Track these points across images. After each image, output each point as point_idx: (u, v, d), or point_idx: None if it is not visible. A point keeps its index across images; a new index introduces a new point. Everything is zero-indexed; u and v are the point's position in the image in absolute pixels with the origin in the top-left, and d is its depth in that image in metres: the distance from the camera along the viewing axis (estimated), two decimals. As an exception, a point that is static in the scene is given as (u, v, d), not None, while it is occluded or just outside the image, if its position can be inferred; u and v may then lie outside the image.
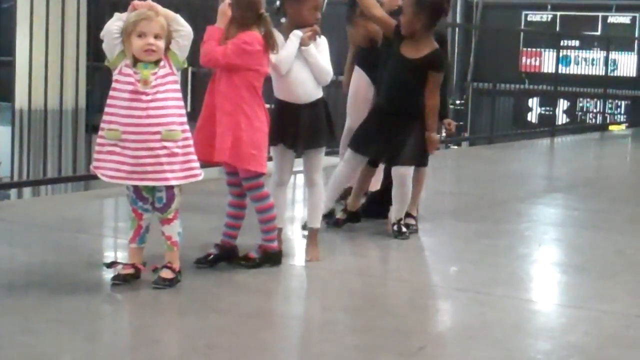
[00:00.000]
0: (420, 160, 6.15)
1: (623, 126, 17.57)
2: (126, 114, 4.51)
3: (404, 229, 6.02)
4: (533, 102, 18.63)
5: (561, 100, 16.73)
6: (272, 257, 5.11)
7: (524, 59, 19.72)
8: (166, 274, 4.65)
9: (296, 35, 5.16)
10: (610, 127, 16.99)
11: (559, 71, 15.28)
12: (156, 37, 4.52)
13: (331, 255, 5.51)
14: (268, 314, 4.54)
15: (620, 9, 19.92)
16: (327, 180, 6.49)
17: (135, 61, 4.55)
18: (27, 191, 9.62)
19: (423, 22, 5.86)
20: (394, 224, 6.05)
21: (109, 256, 5.24)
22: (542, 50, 18.91)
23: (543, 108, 18.12)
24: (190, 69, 8.98)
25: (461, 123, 17.32)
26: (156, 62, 4.57)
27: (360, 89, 6.80)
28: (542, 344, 4.19)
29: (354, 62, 7.10)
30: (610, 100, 17.67)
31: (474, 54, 19.40)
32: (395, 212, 6.08)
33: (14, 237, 5.79)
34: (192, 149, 4.64)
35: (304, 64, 5.20)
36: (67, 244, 5.55)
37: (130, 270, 4.68)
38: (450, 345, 4.18)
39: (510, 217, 7.22)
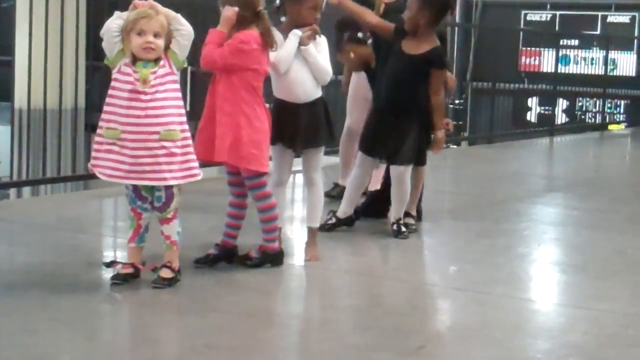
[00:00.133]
0: (418, 159, 6.15)
1: (622, 126, 17.57)
2: (125, 113, 4.51)
3: (403, 229, 6.02)
4: (532, 102, 18.63)
5: (560, 99, 16.72)
6: (272, 257, 5.11)
7: (523, 58, 19.73)
8: (165, 273, 4.65)
9: (295, 34, 5.16)
10: (610, 127, 16.99)
11: (559, 70, 15.28)
12: (155, 35, 4.52)
13: (331, 254, 5.51)
14: (267, 313, 4.54)
15: (620, 8, 19.90)
16: (326, 180, 6.51)
17: (135, 60, 4.55)
18: (26, 191, 9.61)
19: (427, 18, 5.84)
20: (393, 224, 6.05)
21: (108, 256, 5.24)
22: (542, 49, 18.89)
23: (542, 107, 18.12)
24: (189, 69, 8.96)
25: (460, 122, 17.33)
26: (156, 62, 4.57)
27: (359, 88, 6.81)
28: (541, 343, 4.19)
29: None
30: (609, 100, 17.67)
31: (473, 53, 19.39)
32: (394, 212, 6.08)
33: (14, 236, 5.79)
34: (191, 149, 4.64)
35: (303, 64, 5.20)
36: (66, 244, 5.55)
37: (130, 270, 4.68)
38: (450, 344, 4.18)
39: (509, 216, 7.22)
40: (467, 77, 19.75)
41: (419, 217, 6.47)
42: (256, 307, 4.54)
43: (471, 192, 8.41)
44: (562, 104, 17.20)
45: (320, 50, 5.27)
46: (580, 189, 9.01)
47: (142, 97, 4.51)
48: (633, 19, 19.87)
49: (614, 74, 17.47)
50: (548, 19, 20.47)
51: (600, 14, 19.98)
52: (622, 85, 17.78)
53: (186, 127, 4.63)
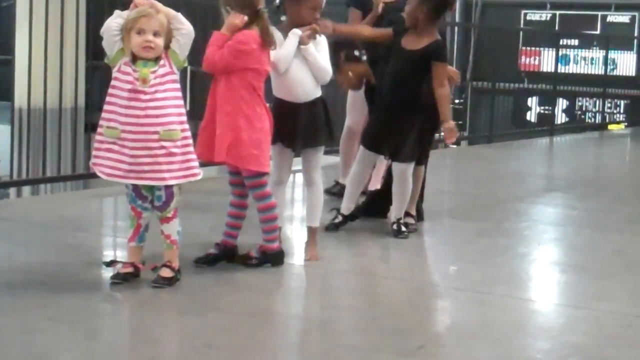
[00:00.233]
0: (420, 157, 6.15)
1: (622, 125, 17.57)
2: (125, 112, 4.51)
3: (403, 228, 6.02)
4: (532, 101, 18.62)
5: (560, 99, 16.72)
6: (272, 258, 5.10)
7: (523, 58, 19.73)
8: (165, 272, 4.65)
9: (295, 33, 5.15)
10: (610, 127, 16.99)
11: (558, 70, 15.28)
12: (155, 34, 4.51)
13: (330, 254, 5.51)
14: (267, 313, 4.54)
15: (620, 8, 19.92)
16: (326, 179, 6.50)
17: (135, 59, 4.55)
18: (26, 190, 9.61)
19: (426, 13, 5.84)
20: (393, 223, 6.05)
21: (108, 255, 5.24)
22: (541, 49, 18.90)
23: (542, 107, 18.12)
24: (189, 68, 8.96)
25: (460, 122, 17.32)
26: (156, 61, 4.57)
27: (359, 88, 6.80)
28: (541, 343, 4.19)
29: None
30: (609, 100, 17.67)
31: (473, 53, 19.40)
32: (395, 211, 6.08)
33: (13, 235, 5.78)
34: (191, 148, 4.64)
35: (302, 63, 5.20)
36: (66, 243, 5.55)
37: (130, 269, 4.68)
38: (450, 344, 4.18)
39: (509, 216, 7.22)
40: (467, 76, 19.74)
41: (420, 217, 6.47)
42: (256, 306, 4.54)
43: (471, 192, 8.41)
44: (562, 103, 17.20)
45: (320, 49, 5.27)
46: (580, 188, 9.01)
47: (142, 96, 4.51)
48: (633, 18, 19.88)
49: (614, 73, 17.46)
50: (548, 18, 20.48)
51: (600, 13, 19.99)
52: (622, 85, 17.78)
53: (186, 126, 4.63)
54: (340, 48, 6.03)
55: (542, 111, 18.16)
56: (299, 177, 6.50)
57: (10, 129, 8.22)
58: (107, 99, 4.58)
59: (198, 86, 9.20)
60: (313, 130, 5.27)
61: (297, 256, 5.41)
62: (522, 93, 17.55)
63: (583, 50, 18.21)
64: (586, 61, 17.94)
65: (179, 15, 4.60)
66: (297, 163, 5.49)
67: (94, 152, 4.60)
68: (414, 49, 5.87)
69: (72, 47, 7.81)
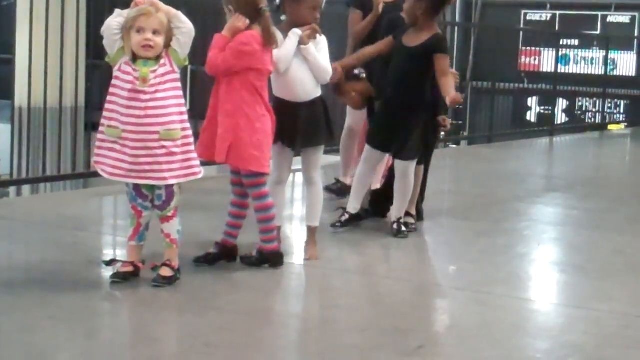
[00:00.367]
0: (421, 156, 6.15)
1: (622, 126, 17.57)
2: (126, 112, 4.51)
3: (403, 228, 6.02)
4: (532, 101, 18.62)
5: (560, 99, 16.72)
6: (270, 258, 5.09)
7: (523, 58, 19.72)
8: (165, 272, 4.65)
9: (295, 33, 5.15)
10: (610, 127, 17.00)
11: (558, 70, 15.28)
12: (155, 33, 4.51)
13: (330, 253, 5.51)
14: (267, 312, 4.54)
15: (620, 8, 19.91)
16: (326, 179, 6.50)
17: (135, 58, 4.55)
18: (26, 189, 9.61)
19: (424, 9, 5.84)
20: (393, 223, 6.05)
21: (108, 254, 5.24)
22: (541, 49, 18.89)
23: (542, 107, 18.11)
24: (189, 68, 8.95)
25: (460, 122, 17.31)
26: (156, 60, 4.57)
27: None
28: (541, 343, 4.19)
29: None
30: (609, 100, 17.67)
31: (473, 52, 19.38)
32: (395, 210, 6.08)
33: (13, 234, 5.79)
34: (192, 147, 4.65)
35: (302, 63, 5.20)
36: (66, 242, 5.56)
37: (130, 268, 4.68)
38: (449, 344, 4.18)
39: (509, 216, 7.22)
40: (467, 76, 19.74)
41: (420, 217, 6.47)
42: (256, 306, 4.54)
43: (471, 192, 8.41)
44: (561, 103, 17.20)
45: (320, 49, 5.27)
46: (580, 189, 9.01)
47: (142, 96, 4.51)
48: (633, 19, 19.88)
49: (614, 73, 17.46)
50: (548, 18, 20.48)
51: (600, 13, 19.99)
52: (622, 85, 17.77)
53: (187, 125, 4.63)
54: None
55: (542, 111, 18.16)
56: (299, 177, 6.50)
57: (10, 128, 8.22)
58: (108, 98, 4.58)
59: (198, 85, 9.20)
60: (313, 129, 5.27)
61: (296, 256, 5.41)
62: (522, 93, 17.54)
63: (583, 50, 18.20)
64: (586, 61, 17.93)
65: (179, 13, 4.60)
66: (297, 162, 5.49)
67: (96, 151, 4.61)
68: (415, 45, 5.88)
69: (72, 46, 7.81)
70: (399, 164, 6.03)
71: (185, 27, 4.59)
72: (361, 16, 7.03)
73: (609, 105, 17.94)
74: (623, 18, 19.97)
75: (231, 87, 4.89)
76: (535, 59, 19.39)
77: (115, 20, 4.56)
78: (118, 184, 4.92)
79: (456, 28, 18.37)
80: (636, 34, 19.65)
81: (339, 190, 7.23)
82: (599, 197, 8.39)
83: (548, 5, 20.54)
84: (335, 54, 6.10)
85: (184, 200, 4.77)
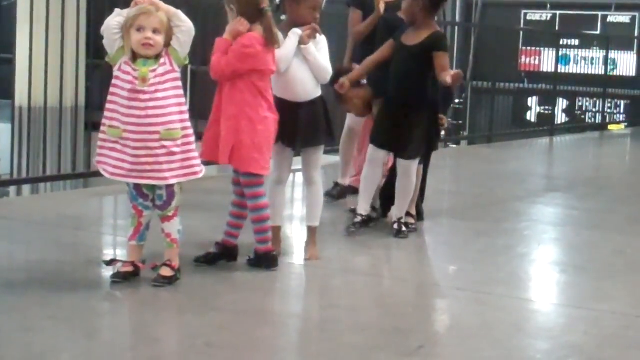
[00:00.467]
0: (423, 154, 6.15)
1: (622, 126, 17.57)
2: (126, 112, 4.52)
3: (403, 228, 6.02)
4: (532, 101, 18.63)
5: (560, 99, 16.72)
6: (264, 259, 5.07)
7: (523, 57, 19.73)
8: (165, 271, 4.65)
9: (295, 33, 5.15)
10: (610, 127, 17.00)
11: (558, 70, 15.27)
12: (155, 31, 4.51)
13: (330, 253, 5.51)
14: (267, 312, 4.54)
15: (620, 8, 19.92)
16: (326, 179, 6.49)
17: (135, 57, 4.55)
18: (26, 189, 9.62)
19: (422, 8, 5.84)
20: (394, 223, 6.05)
21: (108, 254, 5.23)
22: (542, 49, 18.90)
23: (542, 107, 18.12)
24: (190, 67, 8.95)
25: (460, 122, 17.31)
26: (156, 59, 4.56)
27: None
28: (541, 343, 4.19)
29: (352, 59, 7.11)
30: (609, 100, 17.67)
31: (473, 52, 19.39)
32: (397, 210, 6.07)
33: (14, 234, 5.79)
34: (192, 146, 4.64)
35: (303, 62, 5.20)
36: (66, 242, 5.56)
37: (130, 268, 4.68)
38: (449, 344, 4.18)
39: (509, 216, 7.22)
40: (467, 76, 19.74)
41: (420, 217, 6.47)
42: (256, 306, 4.54)
43: (471, 192, 8.41)
44: (562, 103, 17.20)
45: (320, 49, 5.27)
46: (580, 189, 9.01)
47: (142, 96, 4.51)
48: (633, 18, 19.89)
49: (614, 73, 17.46)
50: (548, 18, 20.49)
51: (600, 13, 20.00)
52: (622, 85, 17.78)
53: (188, 124, 4.63)
54: (340, 77, 6.02)
55: (542, 111, 18.17)
56: (299, 177, 6.50)
57: (10, 128, 8.22)
58: (109, 98, 4.58)
59: (198, 85, 9.20)
60: (313, 129, 5.27)
61: (297, 256, 5.41)
62: (522, 93, 17.55)
63: (583, 50, 18.20)
64: (586, 61, 17.93)
65: (179, 12, 4.60)
66: (297, 162, 5.49)
67: (97, 151, 4.62)
68: (415, 43, 5.87)
69: (72, 45, 7.81)
70: (401, 163, 6.02)
71: (185, 26, 4.58)
72: (361, 16, 7.04)
73: (609, 105, 17.94)
74: (623, 18, 19.98)
75: (234, 89, 4.89)
76: (535, 59, 19.40)
77: (114, 19, 4.56)
78: (118, 184, 4.92)
79: (456, 28, 18.38)
80: (636, 34, 19.65)
81: (339, 194, 7.23)
82: (599, 197, 8.39)
83: (548, 5, 20.55)
84: (336, 54, 6.10)
85: (184, 199, 4.77)
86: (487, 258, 5.72)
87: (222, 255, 5.11)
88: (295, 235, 5.93)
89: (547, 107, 17.08)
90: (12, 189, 9.78)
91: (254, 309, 4.48)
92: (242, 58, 4.84)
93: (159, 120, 4.52)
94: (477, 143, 14.03)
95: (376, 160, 6.06)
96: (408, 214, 6.22)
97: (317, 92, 5.31)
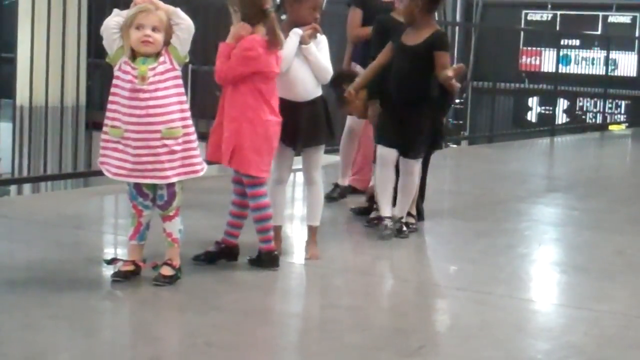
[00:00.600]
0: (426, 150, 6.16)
1: (623, 126, 17.57)
2: (127, 112, 4.52)
3: (403, 228, 6.02)
4: (533, 102, 18.63)
5: (561, 99, 16.72)
6: (264, 259, 5.07)
7: (523, 58, 19.73)
8: (166, 271, 4.65)
9: (296, 33, 5.16)
10: (610, 127, 16.99)
11: (559, 70, 15.28)
12: (154, 29, 4.51)
13: (331, 253, 5.51)
14: (268, 311, 4.54)
15: (621, 8, 19.92)
16: (326, 179, 6.49)
17: (135, 56, 4.55)
18: (27, 187, 9.63)
19: (421, 7, 5.83)
20: (394, 222, 6.05)
21: (109, 253, 5.24)
22: (542, 49, 18.90)
23: (543, 107, 18.13)
24: (190, 67, 8.95)
25: (461, 122, 17.32)
26: (156, 58, 4.56)
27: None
28: (541, 344, 4.19)
29: (351, 58, 7.12)
30: (610, 100, 17.67)
31: (474, 52, 19.39)
32: (398, 209, 6.06)
33: (14, 233, 5.79)
34: (193, 145, 4.64)
35: (303, 62, 5.20)
36: (67, 241, 5.56)
37: (131, 267, 4.69)
38: (450, 344, 4.18)
39: (510, 216, 7.22)
40: (468, 76, 19.74)
41: (420, 217, 6.47)
42: (256, 305, 4.54)
43: (471, 192, 8.41)
44: (562, 104, 17.20)
45: (321, 49, 5.27)
46: (580, 189, 9.01)
47: (142, 95, 4.50)
48: (634, 19, 19.88)
49: (615, 74, 17.46)
50: (549, 18, 20.49)
51: (601, 14, 20.00)
52: (622, 85, 17.78)
53: (189, 122, 4.63)
54: (341, 81, 6.02)
55: (542, 111, 18.17)
56: (300, 176, 6.50)
57: (11, 127, 8.23)
58: (110, 98, 4.59)
59: (199, 85, 9.21)
60: (314, 129, 5.27)
61: (297, 255, 5.41)
62: (522, 93, 17.55)
63: (584, 50, 18.21)
64: (587, 61, 17.94)
65: (178, 10, 4.60)
66: (298, 162, 5.49)
67: (101, 151, 4.62)
68: (416, 43, 5.86)
69: (73, 45, 7.82)
70: (405, 163, 6.01)
71: (184, 23, 4.58)
72: (361, 15, 7.04)
73: (610, 105, 17.94)
74: (624, 18, 19.97)
75: (236, 92, 4.90)
76: (536, 59, 19.40)
77: (113, 19, 4.56)
78: (119, 183, 4.92)
79: (457, 28, 18.40)
80: (637, 35, 19.65)
81: (339, 195, 7.23)
82: (600, 198, 8.39)
83: (549, 5, 20.55)
84: (336, 54, 6.10)
85: (185, 199, 4.77)
86: (487, 258, 5.72)
87: (222, 255, 5.11)
88: (295, 235, 5.93)
89: (547, 108, 17.08)
90: (13, 188, 9.78)
91: (255, 308, 4.48)
92: (244, 61, 4.84)
93: (160, 119, 4.52)
94: (477, 143, 14.03)
95: (387, 160, 5.98)
96: (408, 213, 6.22)
97: (318, 92, 5.31)
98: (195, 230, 5.54)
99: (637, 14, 19.82)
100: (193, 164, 4.63)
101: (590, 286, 5.24)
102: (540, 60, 19.09)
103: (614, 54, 17.13)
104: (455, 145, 13.92)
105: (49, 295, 4.42)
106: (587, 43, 18.43)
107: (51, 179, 8.57)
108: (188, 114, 4.64)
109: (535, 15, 20.71)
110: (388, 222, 5.96)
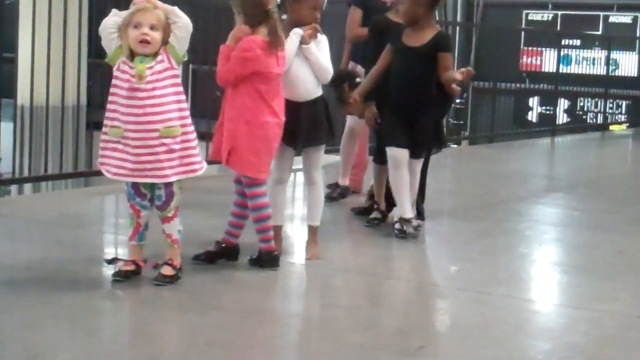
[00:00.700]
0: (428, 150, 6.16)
1: (624, 126, 17.56)
2: (126, 111, 4.52)
3: (404, 228, 6.02)
4: (533, 102, 18.61)
5: (562, 99, 16.71)
6: (264, 259, 5.07)
7: (524, 58, 19.72)
8: (167, 270, 4.66)
9: (296, 33, 5.16)
10: (611, 127, 16.98)
11: (560, 70, 15.26)
12: (152, 28, 4.51)
13: (331, 253, 5.51)
14: (268, 311, 4.54)
15: (622, 8, 19.91)
16: (326, 179, 6.48)
17: (133, 56, 4.55)
18: (28, 187, 9.62)
19: (424, 8, 5.83)
20: (395, 222, 6.05)
21: (109, 252, 5.24)
22: (543, 49, 18.90)
23: (543, 107, 18.11)
24: (190, 67, 8.97)
25: (461, 122, 17.31)
26: (154, 57, 4.56)
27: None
28: (542, 344, 4.19)
29: (350, 58, 7.12)
30: (611, 100, 17.65)
31: (475, 52, 19.38)
32: (399, 210, 6.06)
33: (15, 233, 5.79)
34: (192, 144, 4.64)
35: (304, 62, 5.20)
36: (67, 240, 5.56)
37: (131, 267, 4.69)
38: (450, 344, 4.18)
39: (510, 216, 7.22)
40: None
41: (420, 217, 6.45)
42: (257, 305, 4.54)
43: (472, 192, 8.40)
44: (563, 104, 17.20)
45: (321, 48, 5.28)
46: (581, 189, 9.01)
47: (139, 94, 4.51)
48: (635, 19, 19.88)
49: (616, 74, 17.45)
50: (549, 18, 20.48)
51: (602, 14, 19.99)
52: (623, 85, 17.77)
53: (188, 121, 4.63)
54: (342, 81, 6.02)
55: (543, 111, 18.15)
56: (300, 176, 6.50)
57: (12, 127, 8.23)
58: (109, 98, 4.59)
59: (199, 84, 9.21)
60: (314, 129, 5.28)
61: (297, 255, 5.42)
62: (523, 93, 17.53)
63: (585, 50, 18.19)
64: (588, 61, 17.92)
65: (176, 8, 4.60)
66: (298, 162, 5.49)
67: (100, 152, 4.62)
68: (420, 44, 5.84)
69: (74, 44, 7.82)
70: (410, 163, 5.98)
71: (181, 22, 4.58)
72: (361, 15, 7.03)
73: (611, 105, 17.92)
74: (625, 18, 19.97)
75: (236, 93, 4.91)
76: (536, 59, 19.40)
77: (111, 19, 4.57)
78: (119, 183, 4.92)
79: (457, 28, 18.37)
80: (638, 35, 19.64)
81: (339, 195, 7.22)
82: (601, 198, 8.39)
83: (550, 6, 20.54)
84: (336, 54, 6.11)
85: (184, 199, 4.78)
86: (488, 258, 5.72)
87: (223, 255, 5.11)
88: (296, 235, 5.93)
89: (548, 108, 17.06)
90: (14, 188, 9.77)
91: (255, 308, 4.48)
92: (242, 63, 4.85)
93: (158, 117, 4.52)
94: (478, 143, 14.03)
95: (400, 161, 5.92)
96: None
97: (318, 92, 5.31)
98: (195, 230, 5.54)
99: (638, 14, 19.82)
100: (192, 163, 4.63)
101: (591, 286, 5.24)
102: (541, 60, 19.09)
103: (614, 54, 17.11)
104: (455, 145, 13.91)
105: (50, 294, 4.43)
106: (588, 43, 18.41)
107: (52, 179, 8.56)
108: (187, 113, 4.64)
109: (536, 15, 20.70)
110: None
